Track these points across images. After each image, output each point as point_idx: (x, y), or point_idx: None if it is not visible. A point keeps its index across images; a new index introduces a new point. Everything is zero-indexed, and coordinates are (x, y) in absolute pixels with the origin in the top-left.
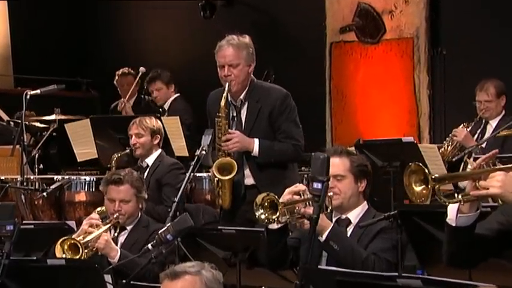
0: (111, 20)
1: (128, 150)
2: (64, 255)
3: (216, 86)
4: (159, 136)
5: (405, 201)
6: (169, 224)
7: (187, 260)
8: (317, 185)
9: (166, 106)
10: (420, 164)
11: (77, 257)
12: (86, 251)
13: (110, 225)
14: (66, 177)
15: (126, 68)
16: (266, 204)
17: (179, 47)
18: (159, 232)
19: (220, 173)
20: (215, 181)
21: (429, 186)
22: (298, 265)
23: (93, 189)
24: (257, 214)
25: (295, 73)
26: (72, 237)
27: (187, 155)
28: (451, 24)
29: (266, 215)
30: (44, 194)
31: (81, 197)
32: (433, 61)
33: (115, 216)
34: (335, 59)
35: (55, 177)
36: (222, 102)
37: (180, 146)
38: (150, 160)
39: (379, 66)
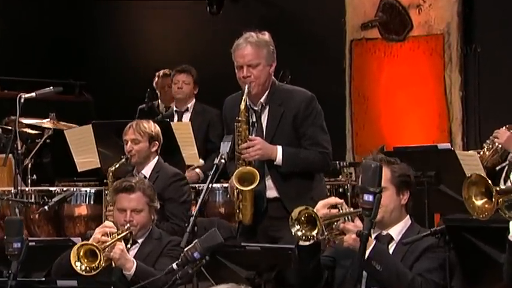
0: (108, 18)
1: (123, 159)
2: (79, 263)
3: (225, 87)
4: (157, 143)
5: (437, 215)
6: (196, 240)
7: (205, 280)
8: (368, 197)
9: (183, 108)
10: (482, 175)
11: (94, 265)
12: (104, 257)
13: (124, 234)
14: (71, 189)
15: (167, 69)
16: (303, 219)
17: (183, 47)
18: (185, 250)
19: (240, 183)
20: (235, 193)
21: (493, 200)
22: (333, 286)
23: (95, 202)
24: (293, 230)
25: (312, 74)
26: (91, 242)
27: (199, 163)
28: (485, 18)
29: (303, 231)
30: (46, 207)
31: (82, 210)
32: (465, 59)
33: (126, 227)
34: (356, 58)
35: (53, 188)
36: (242, 105)
37: (191, 155)
38: (147, 171)
39: (405, 66)
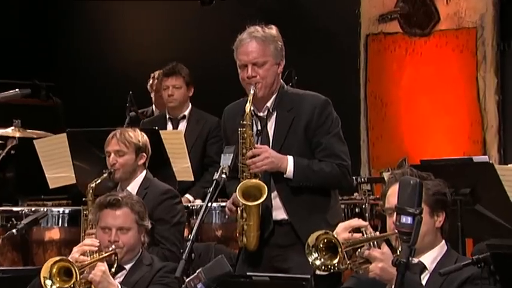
0: (81, 9)
1: (105, 174)
2: (50, 282)
3: (222, 91)
4: (145, 155)
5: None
6: (199, 270)
7: None
8: (406, 219)
9: (178, 115)
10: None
11: (67, 286)
12: (80, 277)
13: (107, 254)
14: (41, 209)
15: (158, 71)
16: (321, 245)
17: (170, 43)
18: (187, 280)
19: (245, 199)
20: (239, 211)
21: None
22: None
23: (70, 225)
24: (310, 259)
25: (320, 75)
26: (68, 258)
27: (192, 179)
28: None
29: (322, 260)
30: (14, 231)
31: (54, 234)
32: (502, 58)
33: (111, 248)
34: (372, 56)
35: (19, 209)
36: (248, 108)
37: (183, 168)
38: (133, 187)
39: (430, 66)
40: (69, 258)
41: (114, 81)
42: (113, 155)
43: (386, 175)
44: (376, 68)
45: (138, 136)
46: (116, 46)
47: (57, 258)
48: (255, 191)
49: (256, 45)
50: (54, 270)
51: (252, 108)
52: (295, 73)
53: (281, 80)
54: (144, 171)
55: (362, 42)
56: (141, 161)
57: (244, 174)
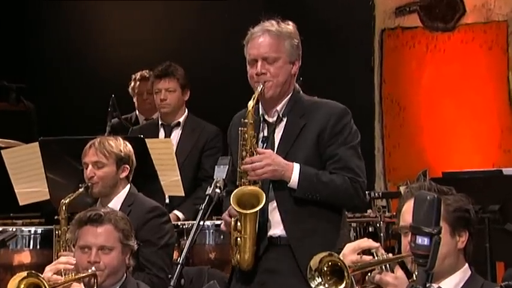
0: (55, 5)
1: (82, 189)
2: None
3: (218, 97)
4: (128, 167)
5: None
6: None
7: None
8: (422, 240)
9: (172, 121)
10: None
11: None
12: None
13: (85, 275)
14: (9, 229)
15: (146, 71)
16: (326, 269)
17: (158, 40)
18: None
19: (240, 207)
20: (232, 222)
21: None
22: None
23: (42, 247)
24: (313, 284)
25: (329, 75)
26: (38, 274)
27: (182, 194)
28: None
29: (326, 285)
30: None
31: (24, 257)
32: None
33: (90, 270)
34: (388, 53)
35: None
36: (250, 105)
37: (172, 182)
38: (115, 204)
39: (454, 64)
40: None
41: (94, 83)
42: (90, 166)
43: (403, 189)
44: (392, 67)
45: (120, 145)
46: (97, 44)
47: (26, 273)
48: (252, 199)
49: (269, 39)
50: (22, 286)
51: (260, 112)
52: (300, 73)
53: (296, 84)
54: (128, 186)
55: (376, 38)
56: (124, 174)
57: (243, 180)
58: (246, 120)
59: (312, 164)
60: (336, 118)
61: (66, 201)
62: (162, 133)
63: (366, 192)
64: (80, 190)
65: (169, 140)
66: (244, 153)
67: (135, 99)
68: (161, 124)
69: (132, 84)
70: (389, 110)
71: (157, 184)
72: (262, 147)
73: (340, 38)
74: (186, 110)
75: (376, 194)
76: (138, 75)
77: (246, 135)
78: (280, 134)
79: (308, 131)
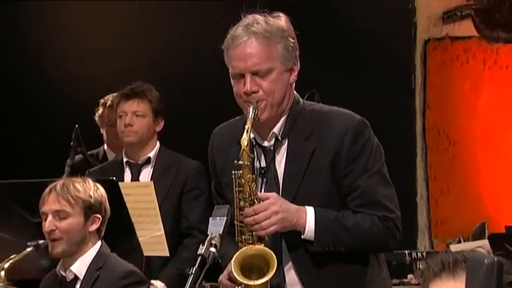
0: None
1: (29, 249)
2: None
3: (202, 126)
4: (99, 217)
5: None
6: None
7: None
8: None
9: (138, 158)
10: None
11: None
12: None
13: None
14: None
15: (112, 95)
16: None
17: (132, 51)
18: None
19: (244, 275)
20: None
21: None
22: None
23: None
24: None
25: (356, 98)
26: None
27: (166, 253)
28: None
29: None
30: None
31: None
32: None
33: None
34: (434, 70)
35: None
36: (244, 140)
37: (154, 239)
38: (79, 267)
39: None
40: None
41: (52, 109)
42: (50, 217)
43: (454, 248)
44: (439, 88)
45: (89, 189)
46: (56, 57)
47: None
48: (260, 262)
49: (257, 46)
50: None
51: (251, 136)
52: (319, 96)
53: (295, 92)
54: (98, 243)
55: (418, 51)
56: (94, 227)
57: (244, 237)
58: (240, 162)
59: (331, 201)
60: (352, 135)
61: (6, 266)
62: (127, 174)
63: (406, 252)
64: (28, 250)
65: (150, 184)
66: (242, 202)
67: (103, 131)
68: (126, 162)
69: (101, 111)
70: (436, 144)
71: (133, 241)
72: (261, 183)
73: (372, 52)
74: (158, 143)
75: (419, 255)
76: (108, 99)
77: (243, 180)
78: (283, 164)
79: (319, 158)
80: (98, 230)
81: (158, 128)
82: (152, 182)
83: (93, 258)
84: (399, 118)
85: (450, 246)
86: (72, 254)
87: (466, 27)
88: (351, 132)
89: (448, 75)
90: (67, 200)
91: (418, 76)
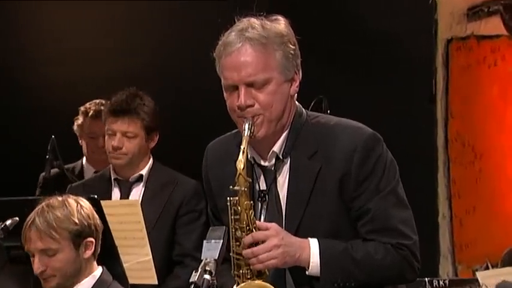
0: None
1: None
2: None
3: (201, 137)
4: (91, 240)
5: None
6: None
7: None
8: None
9: (129, 175)
10: None
11: None
12: None
13: None
14: None
15: (101, 101)
16: None
17: (118, 55)
18: None
19: None
20: None
21: None
22: None
23: None
24: None
25: (370, 106)
26: None
27: (155, 281)
28: None
29: None
30: None
31: None
32: None
33: None
34: (457, 74)
35: None
36: (241, 163)
37: (140, 265)
38: None
39: None
40: None
41: (25, 118)
42: (37, 257)
43: (482, 276)
44: (463, 94)
45: (73, 213)
46: (29, 60)
47: None
48: None
49: (252, 53)
50: None
51: (249, 155)
52: (328, 103)
53: (297, 103)
54: (98, 270)
55: (440, 52)
56: (88, 253)
57: (241, 271)
58: (236, 188)
59: (339, 228)
60: (363, 152)
61: None
62: (116, 192)
63: (427, 279)
64: None
65: (136, 202)
66: (239, 232)
67: (83, 142)
68: (115, 179)
69: (80, 120)
70: (460, 157)
71: (117, 267)
72: (260, 210)
73: (385, 53)
74: (151, 158)
75: (442, 283)
76: (90, 108)
77: (239, 208)
78: (286, 186)
79: (326, 177)
80: (94, 252)
81: (152, 145)
82: (139, 200)
83: (93, 287)
84: (418, 128)
85: (477, 273)
86: (68, 286)
87: (494, 25)
88: (361, 148)
89: (473, 79)
90: (50, 236)
91: (440, 80)
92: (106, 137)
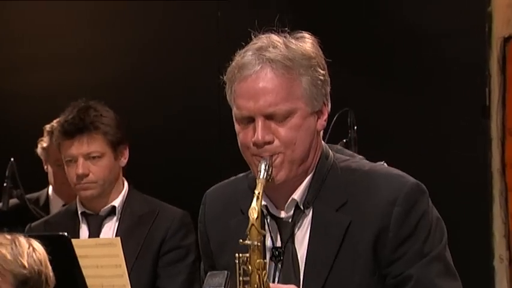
0: None
1: None
2: None
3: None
4: None
5: None
6: None
7: None
8: None
9: (99, 208)
10: None
11: None
12: None
13: None
14: None
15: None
16: None
17: (88, 63)
18: None
19: None
20: None
21: None
22: None
23: None
24: None
25: (407, 117)
26: None
27: None
28: None
29: None
30: None
31: None
32: None
33: None
34: None
35: None
36: (254, 212)
37: None
38: None
39: None
40: None
41: None
42: None
43: None
44: None
45: (22, 254)
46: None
47: None
48: None
49: (274, 78)
50: None
51: (263, 201)
52: (355, 117)
53: (323, 143)
54: None
55: (495, 54)
56: None
57: None
58: (248, 242)
59: None
60: (404, 206)
61: None
62: (84, 230)
63: None
64: None
65: (117, 241)
66: None
67: (49, 170)
68: (82, 213)
69: (46, 143)
70: None
71: None
72: (274, 271)
73: (426, 57)
74: (126, 183)
75: None
76: (56, 127)
77: (250, 267)
78: (306, 243)
79: (357, 235)
80: None
81: (123, 162)
82: (118, 238)
83: None
84: (468, 149)
85: None
86: None
87: None
88: (403, 201)
89: None
90: None
91: (495, 89)
92: (66, 167)
